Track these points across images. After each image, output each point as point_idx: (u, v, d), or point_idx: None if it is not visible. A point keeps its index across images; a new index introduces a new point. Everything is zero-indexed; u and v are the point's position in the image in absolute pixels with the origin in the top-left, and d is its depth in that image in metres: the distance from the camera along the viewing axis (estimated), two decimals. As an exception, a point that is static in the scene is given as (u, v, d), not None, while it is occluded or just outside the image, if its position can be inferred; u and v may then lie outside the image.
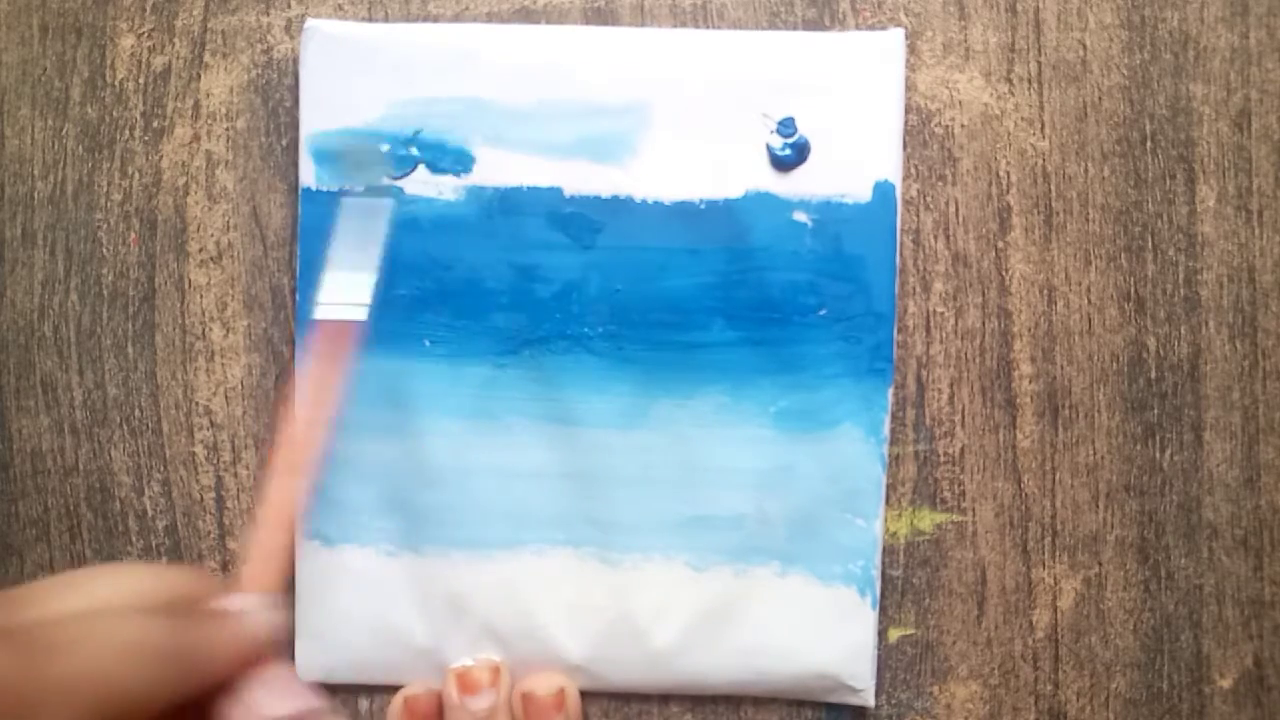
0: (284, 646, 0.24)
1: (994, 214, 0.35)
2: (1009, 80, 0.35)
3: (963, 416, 0.35)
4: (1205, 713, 0.35)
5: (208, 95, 0.35)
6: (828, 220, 0.33)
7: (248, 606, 0.24)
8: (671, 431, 0.34)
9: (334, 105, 0.34)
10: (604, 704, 0.35)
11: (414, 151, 0.34)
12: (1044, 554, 0.35)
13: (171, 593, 0.23)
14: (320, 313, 0.32)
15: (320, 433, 0.30)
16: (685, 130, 0.34)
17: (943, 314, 0.35)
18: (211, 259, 0.36)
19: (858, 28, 0.35)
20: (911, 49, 0.34)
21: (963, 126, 0.35)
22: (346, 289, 0.32)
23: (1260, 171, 0.34)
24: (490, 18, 0.35)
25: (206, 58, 0.35)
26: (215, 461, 0.36)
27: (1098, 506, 0.35)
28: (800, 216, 0.33)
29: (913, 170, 0.35)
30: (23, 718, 0.18)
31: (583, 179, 0.34)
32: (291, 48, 0.35)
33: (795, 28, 0.35)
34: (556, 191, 0.34)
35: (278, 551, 0.28)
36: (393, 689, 0.35)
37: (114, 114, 0.36)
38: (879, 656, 0.35)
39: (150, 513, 0.36)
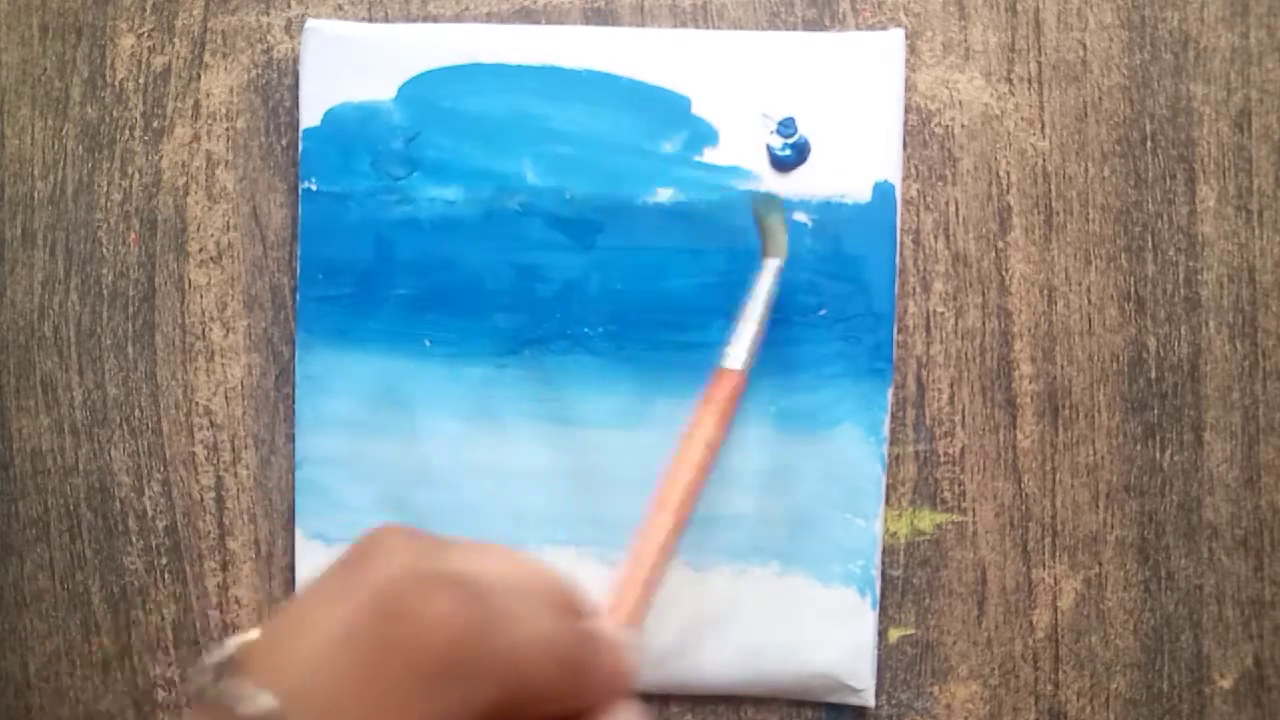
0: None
1: (994, 214, 0.35)
2: (1009, 80, 0.35)
3: (963, 416, 0.35)
4: (1205, 713, 0.35)
5: (208, 95, 0.35)
6: (828, 220, 0.33)
7: (624, 636, 0.23)
8: (671, 431, 0.34)
9: (334, 105, 0.34)
10: (604, 704, 0.35)
11: (414, 151, 0.34)
12: (1044, 554, 0.35)
13: (567, 597, 0.21)
14: (730, 362, 0.30)
15: (703, 476, 0.29)
16: (685, 130, 0.34)
17: (943, 314, 0.35)
18: (211, 259, 0.36)
19: (858, 28, 0.35)
20: (911, 49, 0.34)
21: (963, 126, 0.35)
22: (748, 343, 0.31)
23: (1260, 171, 0.34)
24: (490, 18, 0.35)
25: (206, 58, 0.35)
26: (215, 461, 0.36)
27: (1098, 506, 0.35)
28: (800, 216, 0.33)
29: (913, 170, 0.35)
30: (463, 676, 0.18)
31: (583, 178, 0.34)
32: (291, 48, 0.35)
33: (795, 28, 0.35)
34: (557, 191, 0.34)
35: (646, 586, 0.27)
36: (393, 689, 0.35)
37: (114, 114, 0.36)
38: (879, 656, 0.35)
39: (150, 513, 0.36)
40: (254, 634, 0.19)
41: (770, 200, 0.33)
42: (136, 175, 0.36)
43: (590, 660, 0.20)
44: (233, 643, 0.19)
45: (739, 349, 0.31)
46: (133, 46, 0.35)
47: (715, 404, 0.30)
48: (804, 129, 0.33)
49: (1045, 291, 0.35)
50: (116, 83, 0.35)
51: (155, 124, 0.35)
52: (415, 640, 0.18)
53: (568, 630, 0.20)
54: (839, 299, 0.33)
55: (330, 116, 0.34)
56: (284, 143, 0.35)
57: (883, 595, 0.35)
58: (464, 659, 0.18)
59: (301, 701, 0.17)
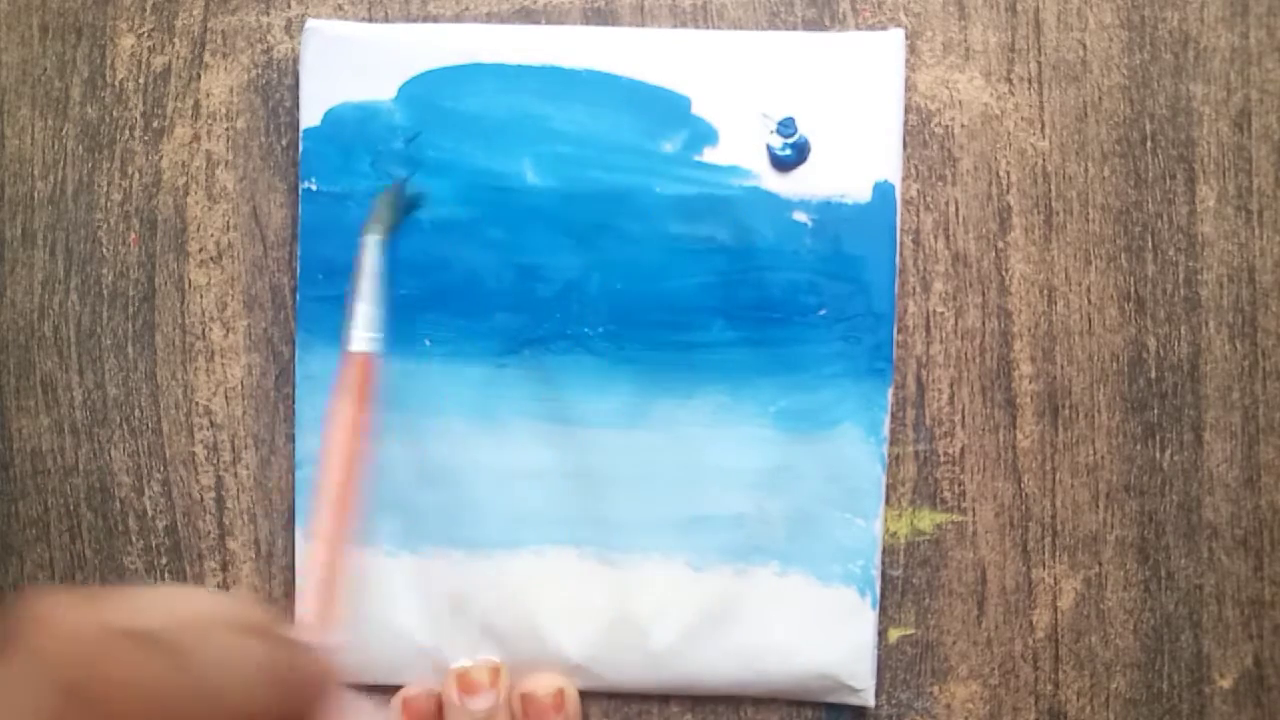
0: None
1: (994, 214, 0.35)
2: (1009, 80, 0.35)
3: (963, 416, 0.35)
4: (1205, 713, 0.35)
5: (208, 95, 0.35)
6: (828, 220, 0.33)
7: (320, 639, 0.23)
8: (671, 431, 0.34)
9: (334, 105, 0.34)
10: (604, 704, 0.35)
11: (414, 151, 0.34)
12: (1044, 554, 0.35)
13: (250, 619, 0.21)
14: (355, 345, 0.31)
15: (355, 463, 0.30)
16: (685, 130, 0.34)
17: (943, 314, 0.35)
18: (211, 259, 0.36)
19: (858, 28, 0.35)
20: (911, 49, 0.34)
21: (963, 126, 0.35)
22: (365, 322, 0.31)
23: (1260, 171, 0.34)
24: (490, 18, 0.35)
25: (206, 58, 0.35)
26: (215, 461, 0.36)
27: (1098, 506, 0.35)
28: (800, 216, 0.33)
29: (913, 170, 0.35)
30: None
31: (583, 178, 0.34)
32: (291, 48, 0.35)
33: (795, 28, 0.35)
34: (557, 191, 0.34)
35: (327, 584, 0.27)
36: (393, 689, 0.35)
37: (114, 114, 0.36)
38: (879, 656, 0.35)
39: (150, 513, 0.36)
40: None
41: (393, 185, 0.34)
42: (136, 175, 0.36)
43: (293, 671, 0.20)
44: None
45: (359, 330, 0.31)
46: (133, 46, 0.35)
47: (347, 390, 0.30)
48: (804, 129, 0.33)
49: (1045, 291, 0.35)
50: (116, 83, 0.35)
51: (155, 124, 0.35)
52: (110, 713, 0.17)
53: (261, 650, 0.20)
54: (839, 299, 0.33)
55: (330, 116, 0.34)
56: (284, 143, 0.35)
57: (883, 595, 0.35)
58: (161, 710, 0.17)
59: None
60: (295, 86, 0.35)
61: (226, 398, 0.35)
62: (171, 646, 0.18)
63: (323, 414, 0.31)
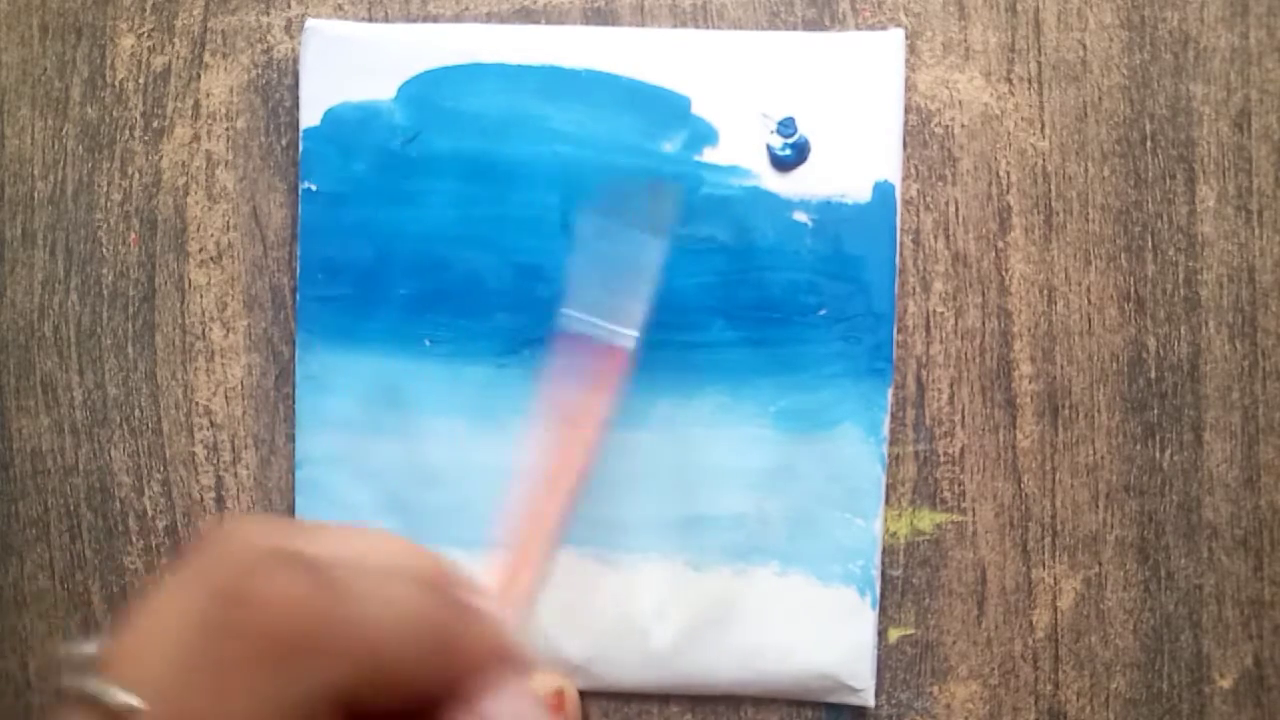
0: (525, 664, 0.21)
1: (994, 214, 0.35)
2: (1009, 80, 0.35)
3: (963, 416, 0.35)
4: (1205, 713, 0.35)
5: (208, 95, 0.35)
6: (828, 220, 0.33)
7: (502, 611, 0.22)
8: (671, 431, 0.34)
9: (334, 105, 0.34)
10: (604, 704, 0.35)
11: (414, 151, 0.34)
12: (1044, 554, 0.35)
13: (438, 574, 0.21)
14: (621, 341, 0.30)
15: (587, 454, 0.29)
16: (685, 130, 0.34)
17: (943, 314, 0.35)
18: (211, 259, 0.36)
19: (858, 28, 0.35)
20: (911, 49, 0.34)
21: (963, 126, 0.35)
22: (623, 315, 0.30)
23: (1260, 171, 0.34)
24: (490, 18, 0.35)
25: (206, 58, 0.35)
26: (215, 461, 0.36)
27: (1098, 506, 0.35)
28: (800, 216, 0.33)
29: (913, 170, 0.35)
30: (307, 652, 0.18)
31: (583, 178, 0.34)
32: (291, 48, 0.35)
33: (795, 28, 0.35)
34: (557, 190, 0.34)
35: (531, 568, 0.27)
36: (393, 689, 0.35)
37: (114, 114, 0.36)
38: (879, 656, 0.35)
39: (150, 513, 0.36)
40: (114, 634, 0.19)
41: (670, 185, 0.33)
42: (136, 175, 0.36)
43: (461, 634, 0.20)
44: (93, 642, 0.19)
45: (627, 328, 0.30)
46: (133, 46, 0.35)
47: (602, 382, 0.30)
48: (804, 129, 0.33)
49: (1045, 291, 0.35)
50: (116, 83, 0.35)
51: (155, 124, 0.35)
52: (253, 621, 0.18)
53: (432, 604, 0.19)
54: (839, 299, 0.33)
55: (330, 116, 0.34)
56: (284, 143, 0.35)
57: (883, 595, 0.35)
58: (306, 637, 0.18)
59: (159, 694, 0.17)
60: (295, 86, 0.35)
61: (226, 398, 0.35)
62: (329, 577, 0.18)
63: (555, 402, 0.29)
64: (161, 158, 0.35)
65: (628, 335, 0.30)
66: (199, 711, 0.17)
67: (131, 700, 0.17)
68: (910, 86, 0.34)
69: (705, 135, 0.34)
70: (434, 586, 0.20)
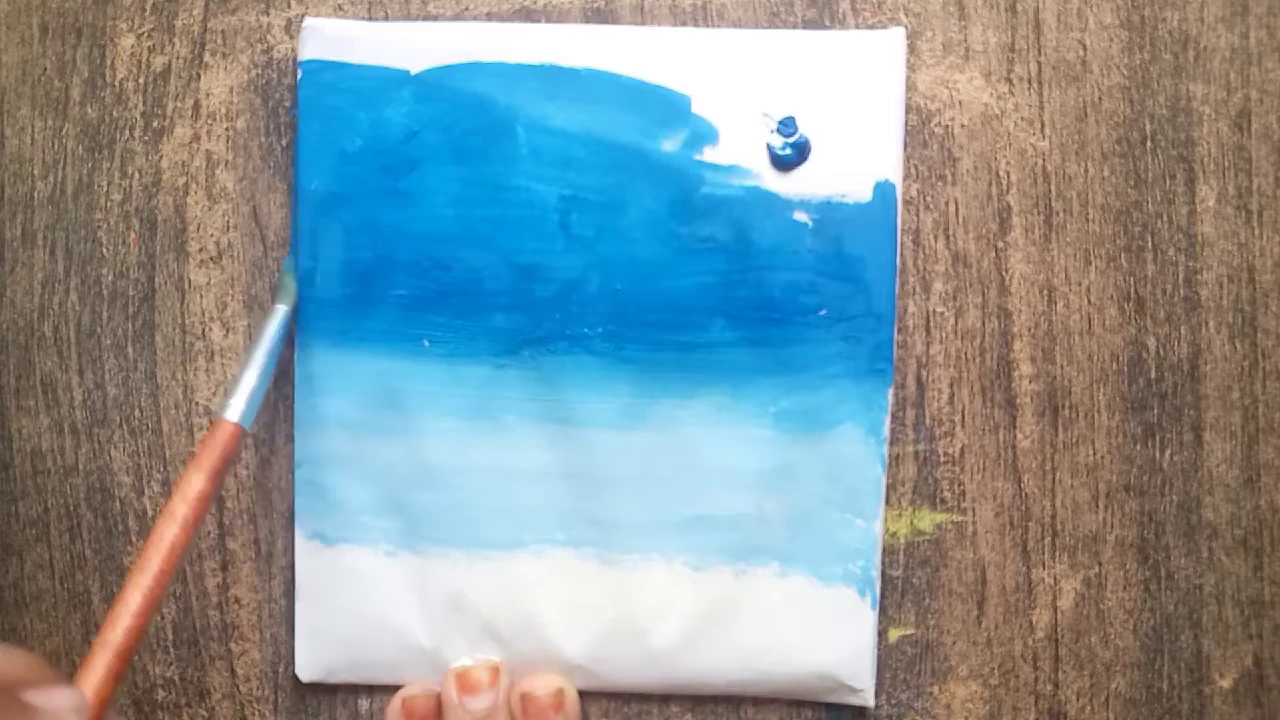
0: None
1: (994, 214, 0.35)
2: (1009, 80, 0.35)
3: (963, 416, 0.35)
4: (1205, 713, 0.35)
5: (208, 95, 0.35)
6: (828, 220, 0.33)
7: (61, 705, 0.23)
8: (671, 432, 0.34)
9: (333, 105, 0.34)
10: (604, 704, 0.35)
11: (414, 151, 0.34)
12: (1044, 554, 0.35)
13: (7, 678, 0.21)
14: (228, 413, 0.30)
15: (189, 533, 0.29)
16: (685, 130, 0.34)
17: (943, 314, 0.35)
18: (211, 259, 0.36)
19: (858, 27, 0.35)
20: (911, 49, 0.34)
21: (963, 126, 0.35)
22: (247, 394, 0.31)
23: (1260, 171, 0.34)
24: (490, 18, 0.35)
25: (206, 58, 0.35)
26: (215, 461, 0.35)
27: (1098, 506, 0.35)
28: (800, 216, 0.33)
29: (913, 170, 0.35)
30: None
31: (583, 178, 0.34)
32: (291, 48, 0.35)
33: (795, 27, 0.35)
34: (556, 190, 0.34)
35: (116, 651, 0.26)
36: (392, 689, 0.35)
37: (114, 114, 0.36)
38: (879, 656, 0.35)
39: (150, 513, 0.36)
40: None
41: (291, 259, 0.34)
42: (136, 175, 0.36)
43: None
44: None
45: (237, 399, 0.31)
46: (133, 46, 0.35)
47: (208, 456, 0.30)
48: (804, 128, 0.33)
49: (1045, 291, 0.35)
50: (116, 83, 0.35)
51: (155, 124, 0.35)
52: None
53: None
54: (839, 299, 0.33)
55: (329, 116, 0.34)
56: (284, 143, 0.35)
57: (882, 595, 0.35)
58: None
59: None
60: (295, 86, 0.35)
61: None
62: None
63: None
64: (161, 158, 0.35)
65: (239, 409, 0.31)
66: None
67: None
68: (910, 86, 0.34)
69: (705, 134, 0.34)
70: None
